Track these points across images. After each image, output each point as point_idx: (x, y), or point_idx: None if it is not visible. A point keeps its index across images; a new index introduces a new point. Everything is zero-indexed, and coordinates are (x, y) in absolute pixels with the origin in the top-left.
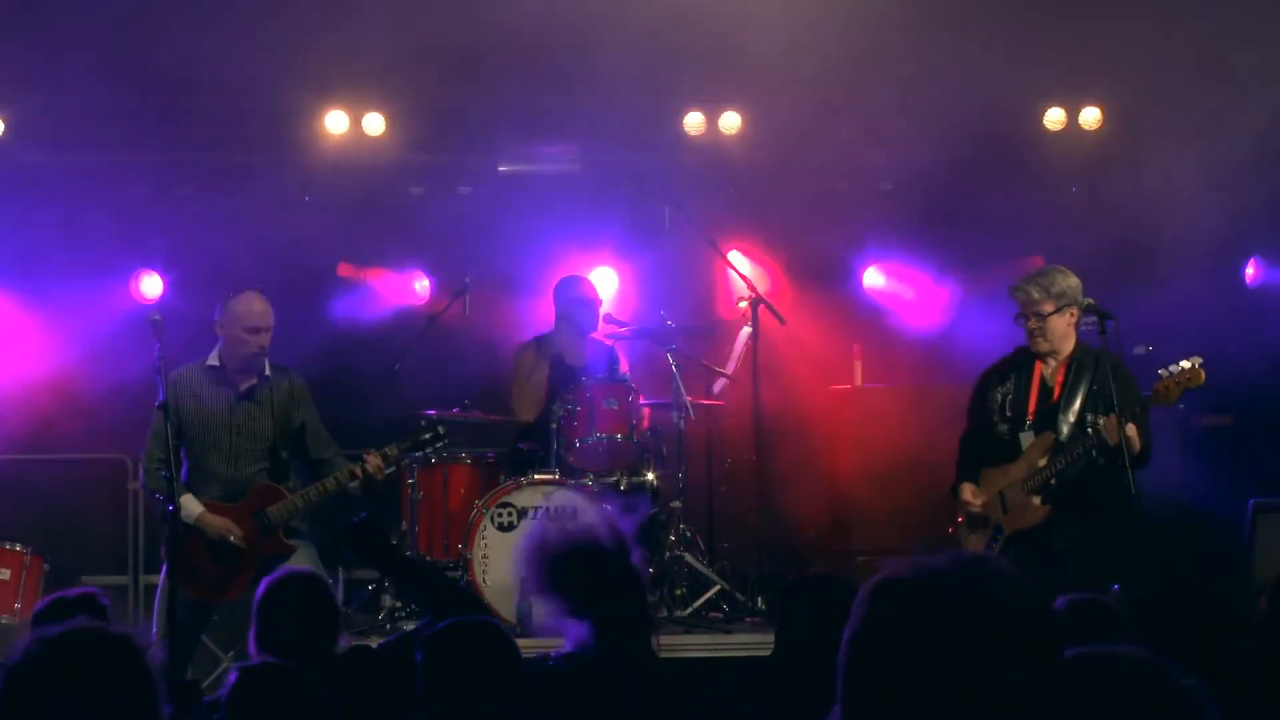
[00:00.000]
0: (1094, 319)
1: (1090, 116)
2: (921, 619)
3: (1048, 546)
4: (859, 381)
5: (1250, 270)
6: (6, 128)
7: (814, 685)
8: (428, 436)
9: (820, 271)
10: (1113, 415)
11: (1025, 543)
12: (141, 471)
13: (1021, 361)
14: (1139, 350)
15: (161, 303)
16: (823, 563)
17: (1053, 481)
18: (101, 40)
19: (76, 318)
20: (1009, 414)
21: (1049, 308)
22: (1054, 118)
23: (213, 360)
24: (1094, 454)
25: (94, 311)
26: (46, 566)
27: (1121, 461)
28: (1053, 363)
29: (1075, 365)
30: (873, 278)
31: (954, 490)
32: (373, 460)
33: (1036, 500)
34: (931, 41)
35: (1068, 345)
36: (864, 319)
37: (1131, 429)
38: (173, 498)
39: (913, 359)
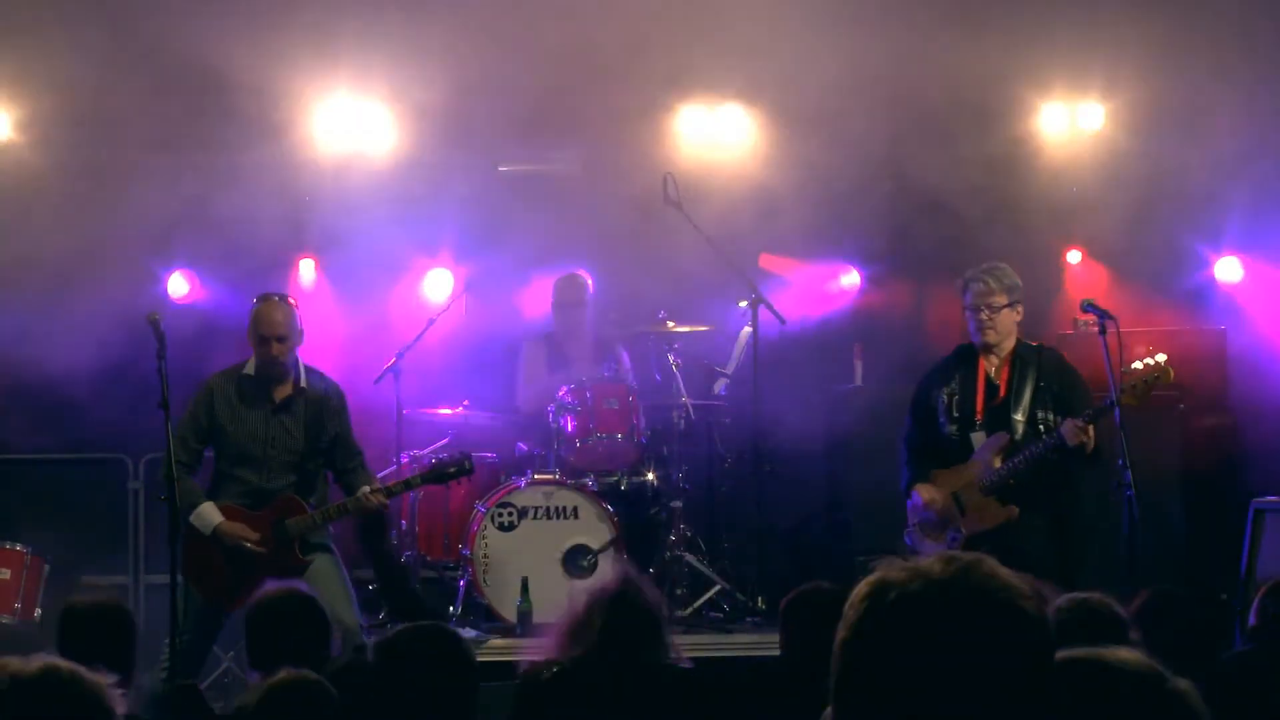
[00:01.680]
0: (1094, 318)
1: (1091, 115)
2: (913, 622)
3: (1012, 547)
4: (859, 381)
5: (1226, 269)
6: (13, 127)
7: (815, 687)
8: (452, 470)
9: (820, 271)
10: (1076, 419)
11: (987, 544)
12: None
13: (964, 360)
14: (1139, 350)
15: (169, 301)
16: (823, 563)
17: (1010, 482)
18: (101, 35)
19: (77, 317)
20: (957, 414)
21: (1002, 300)
22: (1054, 116)
23: (248, 369)
24: (1052, 454)
25: (94, 311)
26: (47, 567)
27: (1121, 461)
28: (995, 360)
29: (1018, 362)
30: (852, 279)
31: (905, 491)
32: (371, 501)
33: (995, 501)
34: (930, 39)
35: (1011, 342)
36: (864, 319)
37: (1090, 429)
38: (173, 498)
39: (913, 358)
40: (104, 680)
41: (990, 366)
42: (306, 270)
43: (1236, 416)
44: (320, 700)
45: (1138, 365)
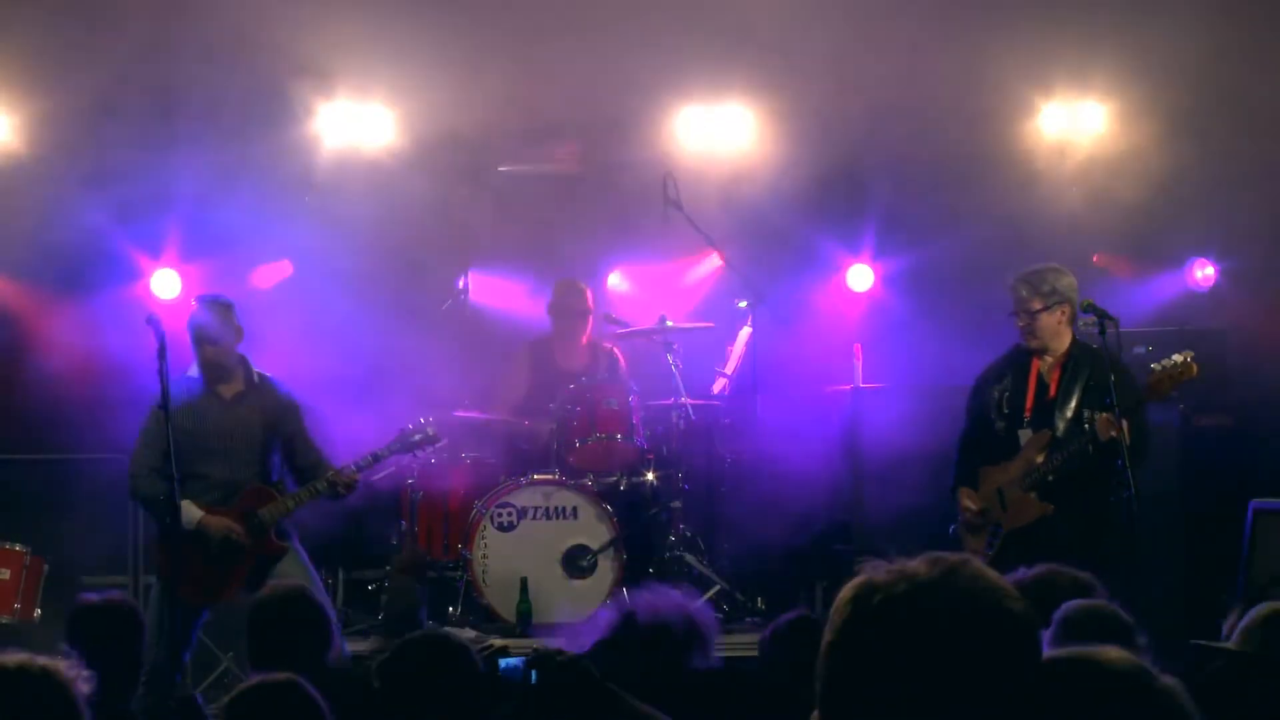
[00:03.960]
0: (1094, 319)
1: (1091, 115)
2: (898, 624)
3: (1046, 545)
4: (859, 381)
5: (1205, 271)
6: (13, 129)
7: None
8: (417, 438)
9: (820, 271)
10: (1105, 413)
11: (1024, 541)
12: (130, 480)
13: (1018, 359)
14: (1139, 350)
15: (171, 302)
16: (822, 563)
17: (1050, 478)
18: (99, 34)
19: (78, 317)
20: (1006, 411)
21: (1037, 305)
22: (1054, 116)
23: (192, 371)
24: (1090, 450)
25: (95, 311)
26: (46, 567)
27: (1120, 461)
28: (1049, 360)
29: (1072, 363)
30: (862, 277)
31: (953, 491)
32: (342, 478)
33: (1034, 497)
34: (930, 36)
35: (1061, 343)
36: (864, 319)
37: (1125, 424)
38: (173, 500)
39: (913, 359)
40: (57, 665)
41: (1043, 366)
42: (302, 270)
43: (1236, 417)
44: (293, 704)
45: (1166, 361)
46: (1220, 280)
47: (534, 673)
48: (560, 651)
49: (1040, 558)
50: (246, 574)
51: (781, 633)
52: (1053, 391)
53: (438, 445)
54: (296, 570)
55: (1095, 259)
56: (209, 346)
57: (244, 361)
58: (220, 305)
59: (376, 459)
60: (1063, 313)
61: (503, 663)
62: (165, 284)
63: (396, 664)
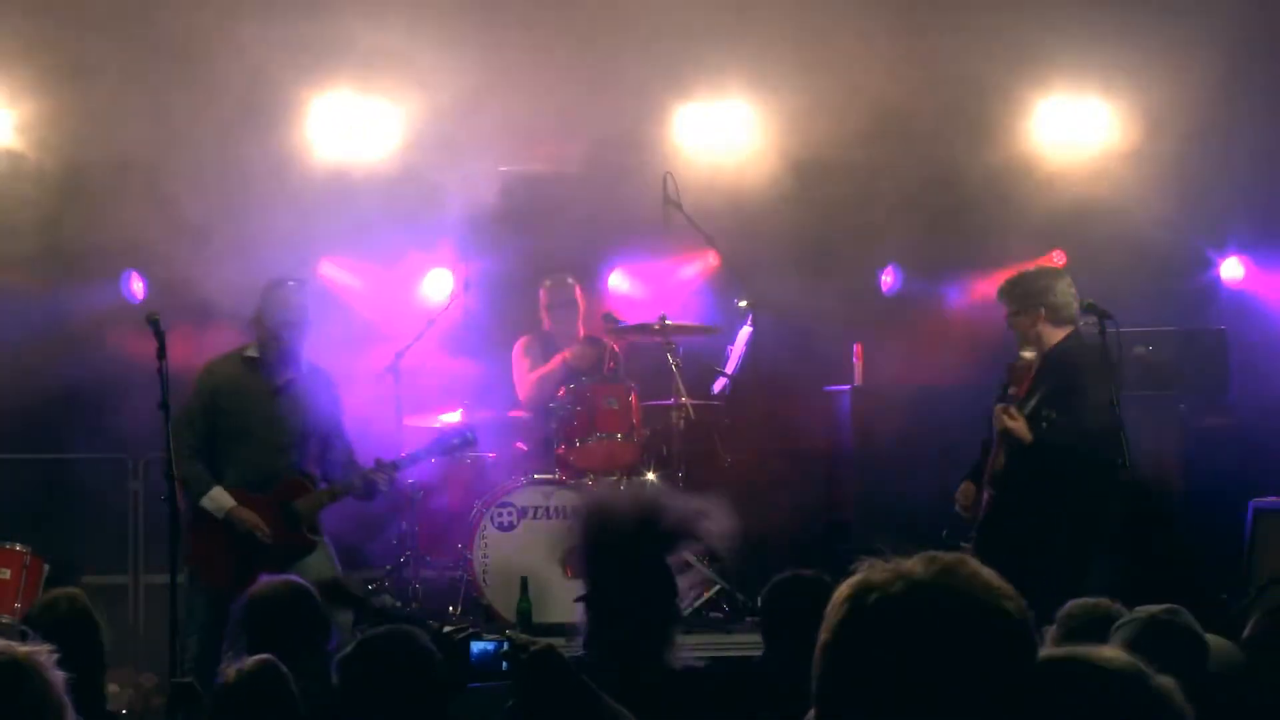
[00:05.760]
0: (1094, 318)
1: (1091, 114)
2: (894, 623)
3: (995, 541)
4: (859, 381)
5: (1227, 269)
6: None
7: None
8: (455, 442)
9: (821, 270)
10: (998, 406)
11: (984, 536)
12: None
13: (1019, 360)
14: (1139, 350)
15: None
16: (822, 563)
17: (999, 473)
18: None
19: (77, 316)
20: None
21: (1012, 309)
22: (1055, 115)
23: (250, 352)
24: (1043, 445)
25: (94, 310)
26: (47, 567)
27: (1120, 461)
28: (1039, 360)
29: (1046, 362)
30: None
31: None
32: (378, 477)
33: (991, 491)
34: (931, 37)
35: (1045, 344)
36: (865, 319)
37: (1015, 419)
38: (173, 498)
39: (914, 359)
40: (49, 661)
41: (1035, 366)
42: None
43: (1236, 416)
44: (277, 685)
45: (1018, 363)
46: (1251, 277)
47: (504, 662)
48: (533, 641)
49: (993, 552)
50: (273, 566)
51: (786, 589)
52: (1023, 391)
53: (474, 450)
54: (324, 565)
55: (1054, 255)
56: (291, 330)
57: (300, 349)
58: (306, 289)
59: (414, 460)
60: (1039, 315)
61: (475, 646)
62: (139, 286)
63: (355, 661)
